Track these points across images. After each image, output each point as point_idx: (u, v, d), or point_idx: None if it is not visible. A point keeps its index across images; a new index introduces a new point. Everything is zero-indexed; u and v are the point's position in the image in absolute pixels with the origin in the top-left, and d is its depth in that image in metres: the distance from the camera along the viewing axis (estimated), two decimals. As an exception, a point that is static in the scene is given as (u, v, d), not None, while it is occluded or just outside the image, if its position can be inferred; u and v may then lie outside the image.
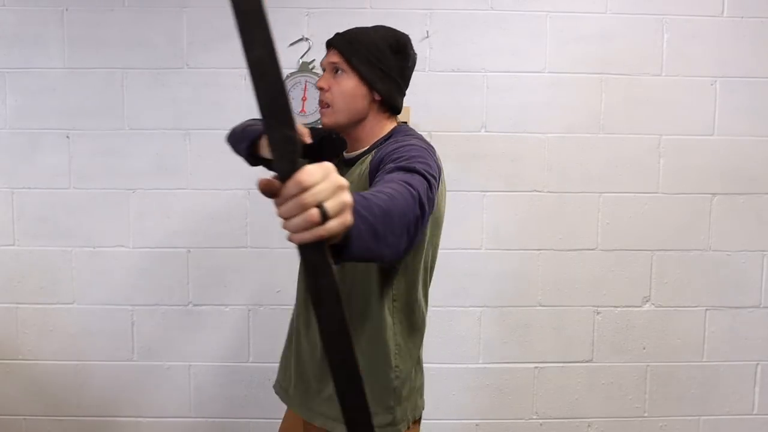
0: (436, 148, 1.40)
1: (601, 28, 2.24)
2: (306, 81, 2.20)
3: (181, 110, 2.24)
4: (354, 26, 1.45)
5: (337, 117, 1.42)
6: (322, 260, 0.83)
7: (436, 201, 1.29)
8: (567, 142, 2.27)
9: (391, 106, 1.45)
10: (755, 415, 2.36)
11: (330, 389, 1.39)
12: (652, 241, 2.30)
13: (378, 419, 1.37)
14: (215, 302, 2.28)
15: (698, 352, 2.33)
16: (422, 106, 2.22)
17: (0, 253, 2.28)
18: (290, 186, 0.81)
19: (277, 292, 2.27)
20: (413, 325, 1.42)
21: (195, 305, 2.29)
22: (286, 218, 0.82)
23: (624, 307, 2.32)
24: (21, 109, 2.24)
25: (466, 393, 2.31)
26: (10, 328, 2.29)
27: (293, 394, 1.49)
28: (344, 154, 1.50)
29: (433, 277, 2.32)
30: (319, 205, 0.81)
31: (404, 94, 1.48)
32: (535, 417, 2.34)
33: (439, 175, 1.29)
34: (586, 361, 2.33)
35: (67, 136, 2.24)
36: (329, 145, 1.51)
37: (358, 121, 1.43)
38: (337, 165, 1.48)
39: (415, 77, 2.21)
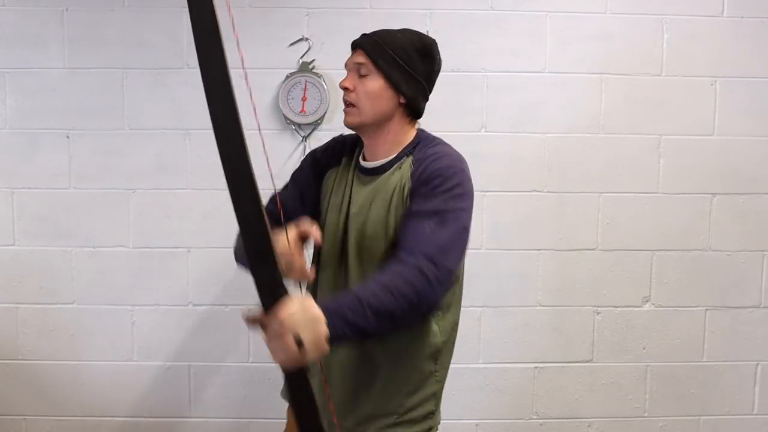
0: None
1: (601, 28, 2.24)
2: (306, 81, 2.20)
3: (181, 110, 2.24)
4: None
5: (362, 117, 1.40)
6: (302, 379, 1.03)
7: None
8: (567, 142, 2.27)
9: (415, 109, 1.44)
10: (755, 415, 2.36)
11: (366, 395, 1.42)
12: (652, 241, 2.30)
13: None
14: (215, 302, 2.28)
15: (698, 352, 2.33)
16: (422, 106, 2.22)
17: (0, 253, 2.28)
18: (271, 320, 1.00)
19: (277, 292, 2.27)
20: (453, 333, 1.46)
21: (195, 305, 2.29)
22: (270, 346, 1.00)
23: (624, 307, 2.32)
24: (21, 109, 2.24)
25: (466, 393, 2.31)
26: (10, 328, 2.29)
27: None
28: (362, 161, 1.47)
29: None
30: (297, 337, 0.98)
31: (428, 99, 1.47)
32: (535, 417, 2.34)
33: (472, 194, 1.35)
34: (586, 361, 2.33)
35: (67, 136, 2.24)
36: None
37: (382, 122, 1.41)
38: (350, 175, 1.47)
39: (415, 77, 2.23)
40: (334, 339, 1.05)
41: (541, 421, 2.34)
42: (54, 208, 2.26)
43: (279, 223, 1.46)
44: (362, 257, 1.38)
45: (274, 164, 2.32)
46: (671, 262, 2.30)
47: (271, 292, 1.02)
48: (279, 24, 2.22)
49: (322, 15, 2.21)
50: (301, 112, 2.22)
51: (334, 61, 2.20)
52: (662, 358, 2.33)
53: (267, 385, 2.28)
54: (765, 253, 2.32)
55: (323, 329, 1.01)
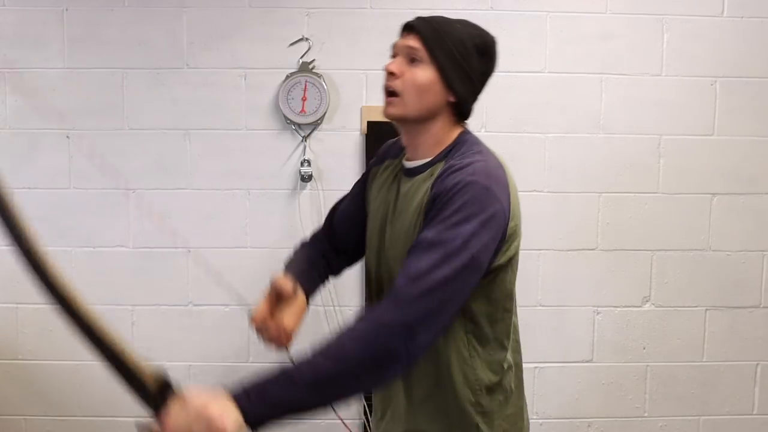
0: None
1: (601, 28, 2.24)
2: (306, 81, 2.20)
3: (181, 110, 2.24)
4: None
5: (406, 110, 1.23)
6: None
7: (492, 250, 1.24)
8: (567, 142, 2.27)
9: (463, 111, 1.29)
10: (755, 415, 2.36)
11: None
12: (652, 241, 2.30)
13: None
14: (215, 302, 2.28)
15: (698, 352, 2.33)
16: (422, 106, 2.22)
17: (0, 253, 2.28)
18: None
19: (277, 292, 2.27)
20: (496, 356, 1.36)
21: (195, 305, 2.29)
22: None
23: (624, 307, 2.32)
24: (21, 109, 2.23)
25: (466, 393, 2.31)
26: (10, 328, 2.29)
27: None
28: (404, 162, 1.31)
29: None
30: None
31: (477, 101, 1.31)
32: (535, 417, 2.33)
33: (495, 217, 1.20)
34: (586, 361, 2.33)
35: (67, 136, 2.24)
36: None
37: (425, 120, 1.25)
38: (395, 177, 1.33)
39: (415, 77, 2.23)
40: (255, 422, 1.04)
41: (541, 421, 2.34)
42: (54, 208, 2.26)
43: (333, 245, 1.48)
44: (392, 273, 1.26)
45: (274, 164, 2.33)
46: (671, 262, 2.30)
47: (150, 401, 1.06)
48: (279, 24, 2.22)
49: (322, 15, 2.21)
50: (301, 112, 2.21)
51: (334, 61, 2.20)
52: (662, 358, 2.33)
53: (267, 385, 2.28)
54: (765, 253, 2.32)
55: (230, 419, 1.00)
